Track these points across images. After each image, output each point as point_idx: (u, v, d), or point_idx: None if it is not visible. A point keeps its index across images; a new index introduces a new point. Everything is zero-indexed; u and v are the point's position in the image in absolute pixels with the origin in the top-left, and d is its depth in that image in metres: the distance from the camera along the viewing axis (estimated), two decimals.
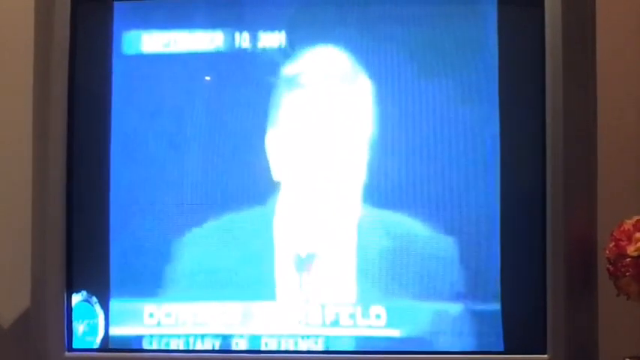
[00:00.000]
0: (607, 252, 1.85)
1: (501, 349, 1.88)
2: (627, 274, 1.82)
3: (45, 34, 1.95)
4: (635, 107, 2.01)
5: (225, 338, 1.92)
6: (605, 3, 1.95)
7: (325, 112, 1.92)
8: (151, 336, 1.94)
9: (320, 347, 1.91)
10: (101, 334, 1.94)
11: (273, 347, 1.91)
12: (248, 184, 1.92)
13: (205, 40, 1.95)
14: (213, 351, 1.92)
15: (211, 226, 1.93)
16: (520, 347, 1.87)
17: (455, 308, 1.89)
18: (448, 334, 1.89)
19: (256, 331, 1.92)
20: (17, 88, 2.10)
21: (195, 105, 1.95)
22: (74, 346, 1.94)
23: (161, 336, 1.93)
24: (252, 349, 1.91)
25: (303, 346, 1.91)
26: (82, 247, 1.94)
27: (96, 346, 1.94)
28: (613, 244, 1.84)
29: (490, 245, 1.88)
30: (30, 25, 1.98)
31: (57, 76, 1.94)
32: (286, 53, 1.93)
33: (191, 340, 1.93)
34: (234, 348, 1.92)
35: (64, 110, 1.94)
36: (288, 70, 1.93)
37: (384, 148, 1.90)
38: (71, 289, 1.94)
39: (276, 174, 1.92)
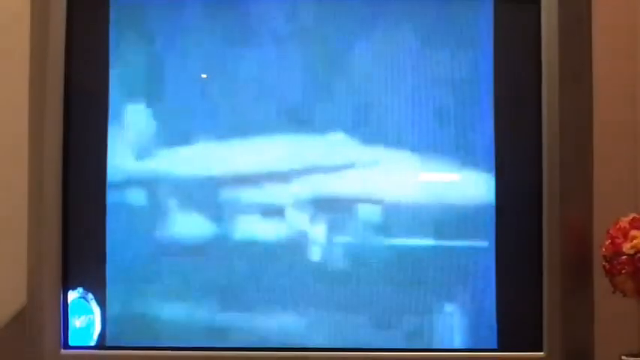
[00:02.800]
0: (603, 250, 1.86)
1: (498, 346, 1.88)
2: (623, 271, 1.82)
3: (41, 31, 1.95)
4: (630, 105, 2.01)
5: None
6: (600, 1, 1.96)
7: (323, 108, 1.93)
8: (148, 333, 1.93)
9: (314, 344, 1.91)
10: (97, 331, 1.94)
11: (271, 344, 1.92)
12: (248, 182, 1.93)
13: (204, 36, 1.95)
14: (211, 348, 1.92)
15: (209, 221, 1.93)
16: (516, 344, 1.88)
17: (450, 305, 1.89)
18: (443, 331, 1.89)
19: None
20: (13, 86, 2.09)
21: (195, 101, 1.95)
22: (70, 343, 1.93)
23: (158, 332, 1.93)
24: (251, 346, 1.92)
25: (297, 342, 1.91)
26: (78, 245, 1.94)
27: (92, 344, 1.94)
28: (609, 241, 1.85)
29: (486, 242, 1.89)
30: (26, 21, 1.97)
31: (53, 73, 1.93)
32: (284, 39, 1.94)
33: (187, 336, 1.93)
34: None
35: (59, 108, 1.93)
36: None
37: (384, 145, 1.91)
38: (67, 286, 1.93)
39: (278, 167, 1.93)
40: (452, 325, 1.89)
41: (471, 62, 1.91)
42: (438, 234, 1.89)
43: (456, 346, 1.90)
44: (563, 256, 1.86)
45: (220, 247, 1.93)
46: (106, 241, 1.93)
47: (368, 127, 1.91)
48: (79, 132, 1.95)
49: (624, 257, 1.82)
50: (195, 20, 1.95)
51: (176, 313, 1.93)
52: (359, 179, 1.91)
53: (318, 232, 1.91)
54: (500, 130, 1.89)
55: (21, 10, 2.03)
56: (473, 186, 1.90)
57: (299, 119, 1.92)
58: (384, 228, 1.90)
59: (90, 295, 1.94)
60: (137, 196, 1.94)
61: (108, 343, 1.93)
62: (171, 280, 1.93)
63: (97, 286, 1.94)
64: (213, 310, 1.92)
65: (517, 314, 1.88)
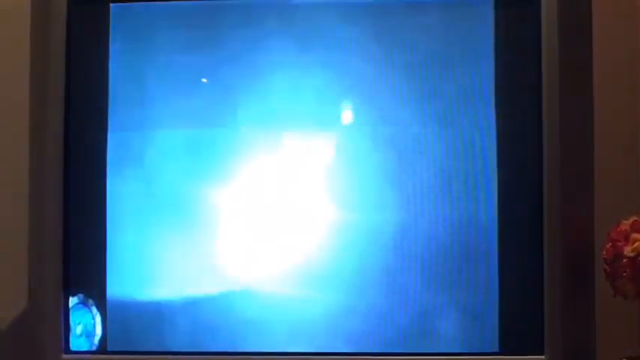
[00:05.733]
0: (604, 252, 1.85)
1: (499, 349, 1.88)
2: (624, 274, 1.82)
3: (42, 34, 1.95)
4: (631, 107, 2.01)
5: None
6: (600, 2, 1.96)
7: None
8: (148, 338, 1.93)
9: (319, 348, 1.91)
10: (98, 336, 1.94)
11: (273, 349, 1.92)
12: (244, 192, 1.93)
13: (203, 41, 1.95)
14: (214, 353, 1.92)
15: (210, 227, 1.93)
16: (517, 348, 1.87)
17: (452, 309, 1.89)
18: (445, 334, 1.89)
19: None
20: (15, 87, 2.10)
21: (192, 105, 1.95)
22: (71, 348, 1.94)
23: (159, 337, 1.93)
24: (254, 350, 1.92)
25: (301, 347, 1.91)
26: (78, 250, 1.94)
27: (93, 349, 1.94)
28: (610, 244, 1.84)
29: (488, 245, 1.89)
30: (26, 23, 1.98)
31: (54, 77, 1.94)
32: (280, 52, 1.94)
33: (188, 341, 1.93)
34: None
35: (61, 111, 1.93)
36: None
37: (384, 147, 1.91)
38: (68, 291, 1.94)
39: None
40: (453, 328, 1.89)
41: (471, 65, 1.91)
42: (439, 237, 1.89)
43: (458, 349, 1.89)
44: (564, 259, 1.85)
45: (221, 251, 1.93)
46: (107, 247, 1.94)
47: (362, 125, 1.92)
48: (79, 137, 1.95)
49: (625, 260, 1.82)
50: (196, 23, 1.95)
51: (177, 317, 1.93)
52: (355, 181, 1.92)
53: (322, 229, 1.92)
54: (502, 132, 1.89)
55: (22, 12, 2.03)
56: (474, 188, 1.89)
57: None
58: (384, 229, 1.91)
59: (90, 301, 1.94)
60: (138, 202, 1.94)
61: (109, 348, 1.94)
62: (172, 285, 1.93)
63: (97, 292, 1.94)
64: (214, 315, 1.93)
65: (518, 317, 1.88)
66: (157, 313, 1.93)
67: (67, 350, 1.93)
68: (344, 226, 1.91)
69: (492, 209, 1.89)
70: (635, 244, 1.81)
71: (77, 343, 1.94)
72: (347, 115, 1.92)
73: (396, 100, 1.91)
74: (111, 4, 1.97)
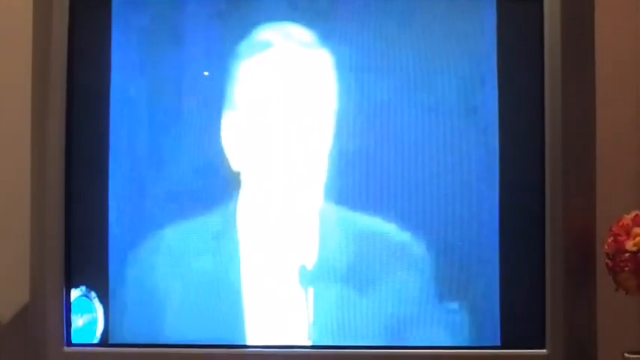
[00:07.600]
0: (606, 247, 1.86)
1: (500, 343, 1.89)
2: (626, 269, 1.82)
3: (43, 31, 1.95)
4: (633, 102, 2.02)
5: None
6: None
7: (318, 105, 1.93)
8: (151, 330, 1.93)
9: (315, 341, 1.91)
10: (100, 328, 1.94)
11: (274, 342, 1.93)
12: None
13: (207, 36, 1.95)
14: (214, 346, 1.92)
15: (212, 221, 1.93)
16: (519, 342, 1.88)
17: (452, 303, 1.89)
18: (445, 328, 1.89)
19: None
20: (15, 86, 2.10)
21: (193, 101, 1.95)
22: (73, 341, 1.93)
23: (161, 330, 1.93)
24: (253, 344, 1.92)
25: (300, 340, 1.92)
26: (80, 242, 1.94)
27: (95, 341, 1.94)
28: (612, 239, 1.85)
29: (489, 240, 1.89)
30: (28, 22, 1.98)
31: (55, 74, 1.94)
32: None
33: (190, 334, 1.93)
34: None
35: (62, 107, 1.93)
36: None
37: (384, 143, 1.91)
38: (70, 283, 1.93)
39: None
40: (455, 322, 1.89)
41: (473, 63, 1.91)
42: (441, 232, 1.89)
43: (459, 343, 1.90)
44: (565, 254, 1.86)
45: (222, 243, 1.93)
46: (109, 240, 1.94)
47: (361, 122, 1.92)
48: (81, 131, 1.95)
49: (627, 254, 1.82)
50: (198, 20, 1.96)
51: (180, 310, 1.93)
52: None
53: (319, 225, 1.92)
54: (504, 129, 1.89)
55: (23, 11, 2.03)
56: (475, 184, 1.90)
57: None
58: (384, 225, 1.91)
59: (93, 294, 1.94)
60: (139, 195, 1.94)
61: (111, 341, 1.94)
62: (174, 278, 1.93)
63: (99, 284, 1.94)
64: (216, 307, 1.93)
65: (520, 312, 1.88)
66: (159, 307, 1.93)
67: (69, 343, 1.93)
68: (342, 221, 1.91)
69: (494, 204, 1.89)
70: (637, 239, 1.82)
71: (79, 335, 1.94)
72: (344, 108, 1.93)
73: (396, 96, 1.92)
74: None
